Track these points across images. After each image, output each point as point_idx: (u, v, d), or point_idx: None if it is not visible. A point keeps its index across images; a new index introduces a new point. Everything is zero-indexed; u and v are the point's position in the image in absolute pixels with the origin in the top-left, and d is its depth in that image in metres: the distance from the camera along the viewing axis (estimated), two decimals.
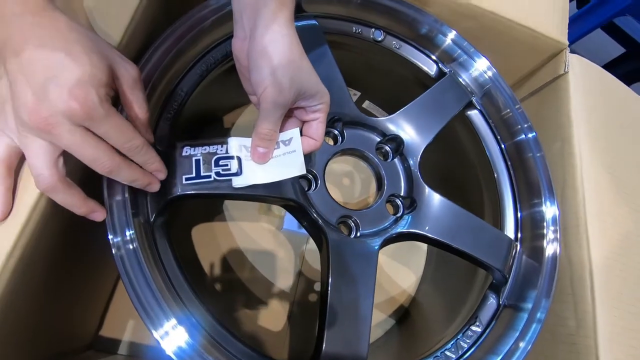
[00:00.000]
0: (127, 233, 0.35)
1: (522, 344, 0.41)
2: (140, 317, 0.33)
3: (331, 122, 0.48)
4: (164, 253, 0.38)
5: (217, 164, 0.37)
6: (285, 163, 0.37)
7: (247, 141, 0.38)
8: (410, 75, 0.59)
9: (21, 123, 0.28)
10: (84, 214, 0.33)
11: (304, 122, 0.39)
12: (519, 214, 0.50)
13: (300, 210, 0.42)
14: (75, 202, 0.32)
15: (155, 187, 0.35)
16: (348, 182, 0.71)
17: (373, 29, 0.55)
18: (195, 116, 0.55)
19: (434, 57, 0.56)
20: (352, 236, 0.43)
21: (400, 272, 0.71)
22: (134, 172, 0.33)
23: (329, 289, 0.37)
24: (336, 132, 0.49)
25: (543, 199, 0.48)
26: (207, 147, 0.37)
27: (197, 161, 0.37)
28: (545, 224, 0.47)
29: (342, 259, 0.39)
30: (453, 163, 0.64)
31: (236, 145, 0.38)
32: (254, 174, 0.37)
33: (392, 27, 0.55)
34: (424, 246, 0.74)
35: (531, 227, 0.49)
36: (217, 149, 0.37)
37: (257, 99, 0.36)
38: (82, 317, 0.54)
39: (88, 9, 0.38)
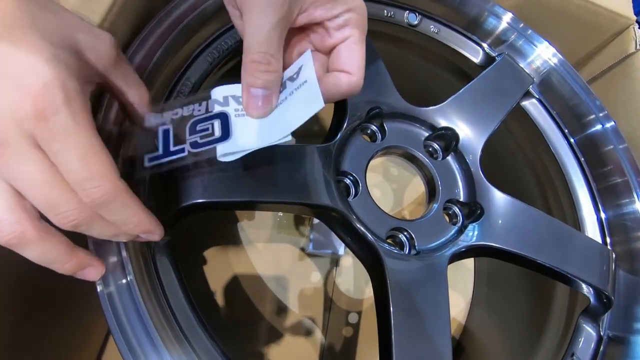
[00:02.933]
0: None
1: None
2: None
3: (369, 116, 0.39)
4: (167, 279, 0.29)
5: (193, 131, 0.24)
6: (294, 104, 0.24)
7: (237, 88, 0.25)
8: (448, 64, 0.51)
9: None
10: (71, 271, 0.22)
11: (329, 53, 0.26)
12: (602, 215, 0.41)
13: (341, 222, 0.33)
14: (58, 254, 0.21)
15: (154, 237, 0.24)
16: (379, 193, 0.62)
17: (407, 12, 0.48)
18: None
19: (482, 44, 0.48)
20: (408, 254, 0.34)
21: None
22: (111, 227, 0.22)
23: (393, 327, 0.27)
24: (374, 127, 0.40)
25: (636, 195, 0.39)
26: (178, 110, 0.25)
27: (166, 132, 0.24)
28: None
29: (405, 285, 0.29)
30: (505, 165, 0.55)
31: (220, 96, 0.25)
32: (249, 135, 0.24)
33: (431, 10, 0.47)
34: (468, 262, 0.63)
35: (624, 229, 0.39)
36: (193, 109, 0.25)
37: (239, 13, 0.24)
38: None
39: None
